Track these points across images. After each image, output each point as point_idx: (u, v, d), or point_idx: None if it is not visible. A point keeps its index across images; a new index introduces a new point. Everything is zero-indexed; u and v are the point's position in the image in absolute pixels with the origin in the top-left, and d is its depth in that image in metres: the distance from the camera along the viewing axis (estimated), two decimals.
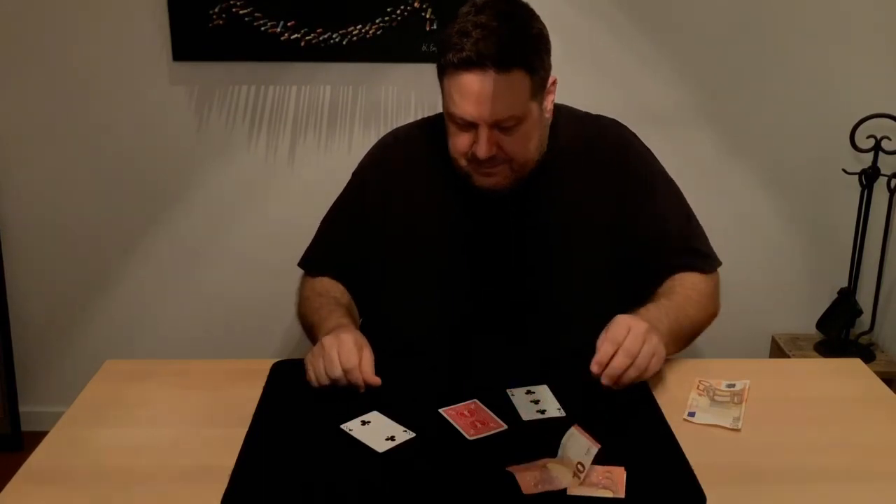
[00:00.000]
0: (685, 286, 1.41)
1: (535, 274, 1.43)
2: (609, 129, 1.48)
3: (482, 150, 1.29)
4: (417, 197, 1.45)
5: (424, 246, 1.44)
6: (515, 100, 1.27)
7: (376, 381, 1.19)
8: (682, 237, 1.46)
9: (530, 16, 1.31)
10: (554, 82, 1.35)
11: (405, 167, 1.46)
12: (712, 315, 1.44)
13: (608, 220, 1.42)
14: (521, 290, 1.43)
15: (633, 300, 1.36)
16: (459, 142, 1.32)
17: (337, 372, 1.18)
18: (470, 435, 1.10)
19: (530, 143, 1.34)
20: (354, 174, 1.53)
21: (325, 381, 1.20)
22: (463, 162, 1.34)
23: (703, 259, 1.46)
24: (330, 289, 1.46)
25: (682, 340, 1.36)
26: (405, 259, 1.45)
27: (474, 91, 1.25)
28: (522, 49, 1.26)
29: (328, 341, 1.21)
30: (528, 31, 1.28)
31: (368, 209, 1.46)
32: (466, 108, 1.27)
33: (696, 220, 1.49)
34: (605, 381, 1.18)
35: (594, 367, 1.19)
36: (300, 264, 1.55)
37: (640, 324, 1.22)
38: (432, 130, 1.47)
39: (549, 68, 1.33)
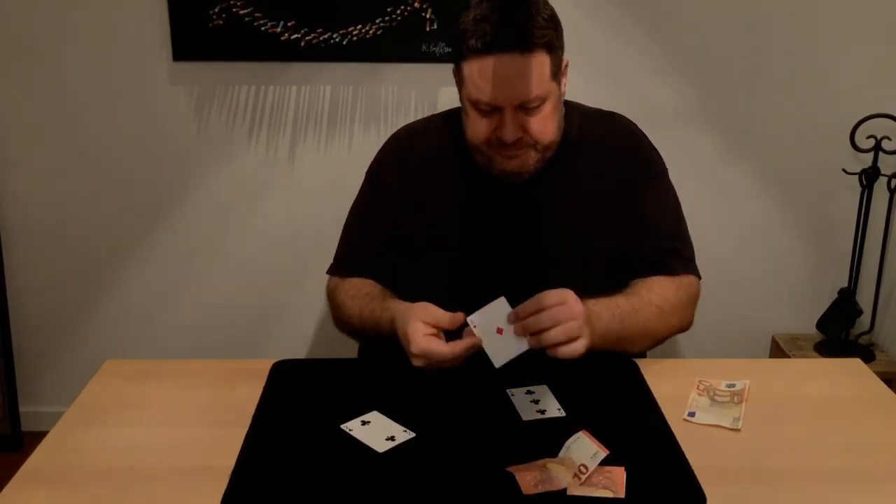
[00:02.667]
0: (652, 293, 1.37)
1: (543, 266, 1.42)
2: (620, 125, 1.48)
3: (508, 134, 1.28)
4: (433, 190, 1.44)
5: (439, 239, 1.43)
6: (538, 79, 1.27)
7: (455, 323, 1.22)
8: (667, 236, 1.45)
9: None
10: (567, 65, 1.35)
11: (421, 161, 1.46)
12: (677, 328, 1.40)
13: (614, 214, 1.42)
14: (529, 282, 1.42)
15: None
16: (481, 128, 1.31)
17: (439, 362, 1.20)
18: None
19: (552, 124, 1.33)
20: (370, 172, 1.51)
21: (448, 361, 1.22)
22: (484, 148, 1.34)
23: (681, 262, 1.44)
24: (370, 287, 1.43)
25: (624, 343, 1.32)
26: (422, 252, 1.44)
27: (499, 74, 1.25)
28: (542, 29, 1.26)
29: (402, 337, 1.24)
30: (544, 12, 1.28)
31: (390, 204, 1.45)
32: (491, 91, 1.26)
33: (686, 228, 1.48)
34: (516, 329, 1.20)
35: (509, 317, 1.20)
36: (330, 272, 1.51)
37: (578, 308, 1.21)
38: (445, 124, 1.47)
39: (563, 48, 1.33)
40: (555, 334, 1.18)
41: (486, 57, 1.25)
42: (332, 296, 1.48)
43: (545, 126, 1.32)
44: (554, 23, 1.30)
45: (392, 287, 1.44)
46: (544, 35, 1.26)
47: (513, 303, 1.21)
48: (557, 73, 1.32)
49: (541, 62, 1.26)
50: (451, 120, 1.45)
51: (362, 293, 1.41)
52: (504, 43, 1.24)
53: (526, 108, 1.28)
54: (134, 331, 2.31)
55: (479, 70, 1.26)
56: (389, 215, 1.46)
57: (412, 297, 1.36)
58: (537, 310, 1.19)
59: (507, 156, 1.33)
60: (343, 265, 1.50)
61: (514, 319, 1.20)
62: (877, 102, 2.04)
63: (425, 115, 1.60)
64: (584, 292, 1.27)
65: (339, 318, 1.45)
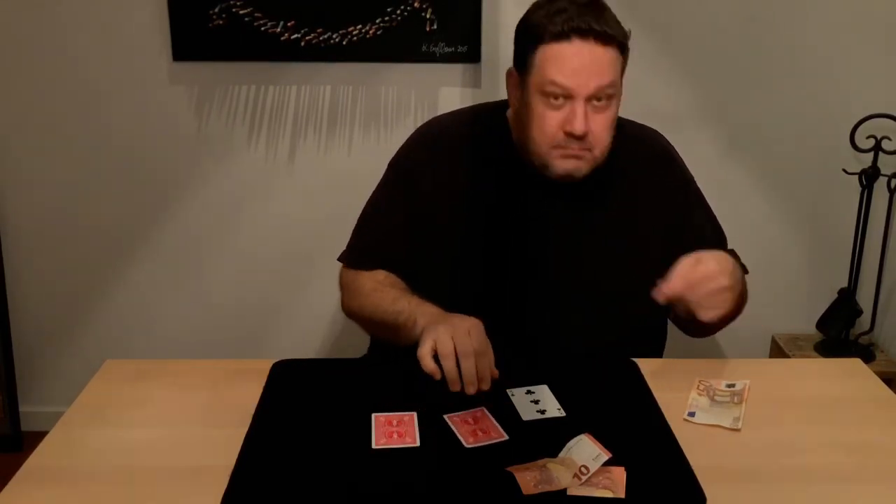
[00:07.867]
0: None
1: (573, 271, 1.42)
2: (653, 137, 1.50)
3: (579, 124, 1.27)
4: (461, 186, 1.42)
5: (467, 237, 1.42)
6: (613, 73, 1.28)
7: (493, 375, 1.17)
8: (717, 248, 1.45)
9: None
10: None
11: (450, 159, 1.44)
12: (739, 312, 1.39)
13: (650, 226, 1.43)
14: (557, 283, 1.42)
15: (663, 309, 1.32)
16: (549, 123, 1.30)
17: (468, 347, 1.15)
18: (468, 443, 1.10)
19: (612, 130, 1.33)
20: (393, 165, 1.49)
21: (450, 357, 1.15)
22: (545, 149, 1.32)
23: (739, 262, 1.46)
24: (396, 281, 1.41)
25: (734, 312, 1.33)
26: (447, 250, 1.42)
27: (578, 59, 1.26)
28: (617, 28, 1.29)
29: (460, 322, 1.19)
30: (614, 16, 1.30)
31: (414, 197, 1.43)
32: (568, 76, 1.26)
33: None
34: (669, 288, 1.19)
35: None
36: (343, 259, 1.49)
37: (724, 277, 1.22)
38: (474, 119, 1.47)
39: (628, 58, 1.34)
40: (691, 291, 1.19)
41: (565, 43, 1.26)
42: (353, 281, 1.45)
43: (607, 128, 1.32)
44: (623, 29, 1.31)
45: (410, 281, 1.42)
46: (619, 33, 1.29)
47: (538, 309, 1.20)
48: (622, 76, 1.32)
49: (614, 58, 1.28)
50: (481, 117, 1.45)
51: (387, 284, 1.39)
52: (585, 32, 1.25)
53: (596, 103, 1.29)
54: (134, 330, 2.31)
55: (557, 55, 1.27)
56: (410, 209, 1.43)
57: (434, 293, 1.35)
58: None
59: (567, 154, 1.31)
60: (357, 255, 1.47)
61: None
62: (877, 102, 2.04)
63: (426, 116, 1.59)
64: (612, 298, 1.26)
65: (356, 303, 1.43)
